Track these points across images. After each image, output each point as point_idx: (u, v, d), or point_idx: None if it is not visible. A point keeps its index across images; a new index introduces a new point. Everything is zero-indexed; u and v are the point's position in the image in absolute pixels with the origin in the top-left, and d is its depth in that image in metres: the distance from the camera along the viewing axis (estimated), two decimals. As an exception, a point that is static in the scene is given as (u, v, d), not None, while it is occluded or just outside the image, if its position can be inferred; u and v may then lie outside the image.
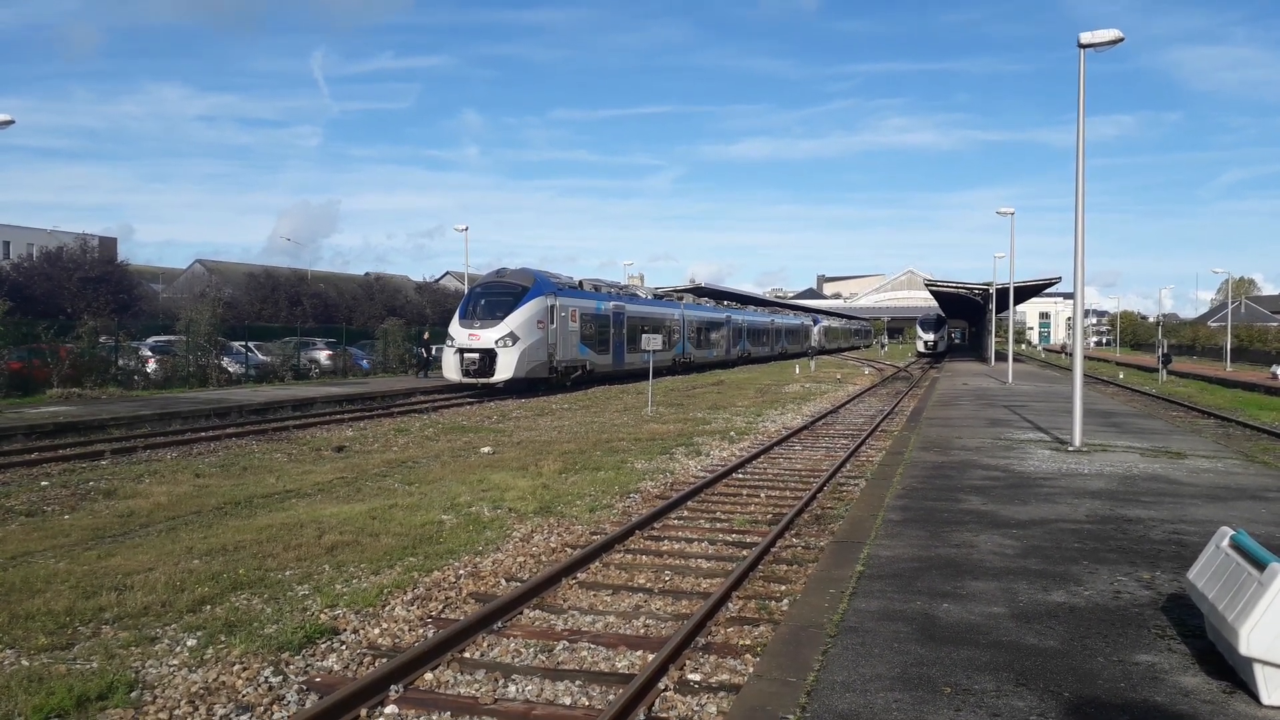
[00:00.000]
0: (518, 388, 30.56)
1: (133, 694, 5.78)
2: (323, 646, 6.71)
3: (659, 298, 48.01)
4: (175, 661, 6.32)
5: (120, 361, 28.43)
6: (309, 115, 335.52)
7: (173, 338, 31.71)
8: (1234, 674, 5.19)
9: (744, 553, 9.49)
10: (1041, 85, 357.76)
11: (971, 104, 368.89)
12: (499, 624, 7.23)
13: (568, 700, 5.96)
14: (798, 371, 47.08)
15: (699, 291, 61.17)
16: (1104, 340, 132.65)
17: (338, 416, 22.91)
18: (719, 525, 11.01)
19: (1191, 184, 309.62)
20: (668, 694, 6.00)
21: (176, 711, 5.58)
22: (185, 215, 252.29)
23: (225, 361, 31.79)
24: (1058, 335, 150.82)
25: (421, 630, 7.15)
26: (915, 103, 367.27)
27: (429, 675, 6.25)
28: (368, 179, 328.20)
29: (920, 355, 77.23)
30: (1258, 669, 4.84)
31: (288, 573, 8.47)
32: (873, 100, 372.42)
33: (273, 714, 5.66)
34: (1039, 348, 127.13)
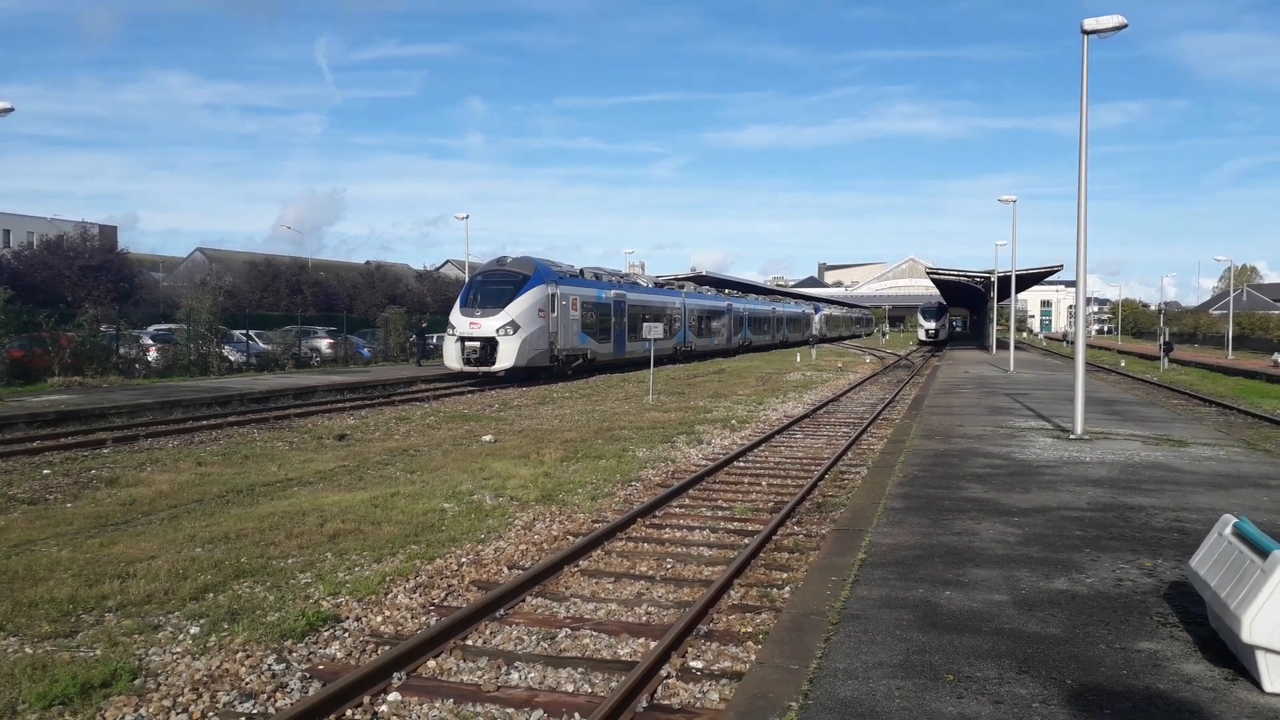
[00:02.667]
0: (519, 376, 30.55)
1: (136, 681, 5.79)
2: (325, 634, 6.72)
3: (660, 286, 47.92)
4: (178, 649, 6.33)
5: (121, 350, 28.43)
6: (313, 103, 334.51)
7: (173, 326, 31.72)
8: (1236, 661, 5.19)
9: (745, 540, 9.50)
10: (1048, 72, 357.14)
11: (978, 91, 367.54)
12: (501, 611, 7.24)
13: (570, 687, 5.97)
14: (799, 360, 47.07)
15: (700, 280, 61.08)
16: (1106, 328, 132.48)
17: (339, 405, 22.92)
18: (720, 513, 11.02)
19: (1197, 172, 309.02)
20: (670, 681, 6.01)
21: (180, 699, 5.59)
22: (190, 203, 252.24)
23: (226, 350, 31.78)
24: (1059, 323, 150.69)
25: (424, 618, 7.17)
26: (921, 90, 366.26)
27: (431, 663, 6.27)
28: (372, 167, 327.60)
29: (921, 343, 77.24)
30: (1260, 656, 4.84)
31: (290, 561, 8.49)
32: (879, 88, 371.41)
33: (276, 701, 5.67)
34: (1040, 336, 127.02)
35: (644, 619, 7.28)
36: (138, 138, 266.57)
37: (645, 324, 27.31)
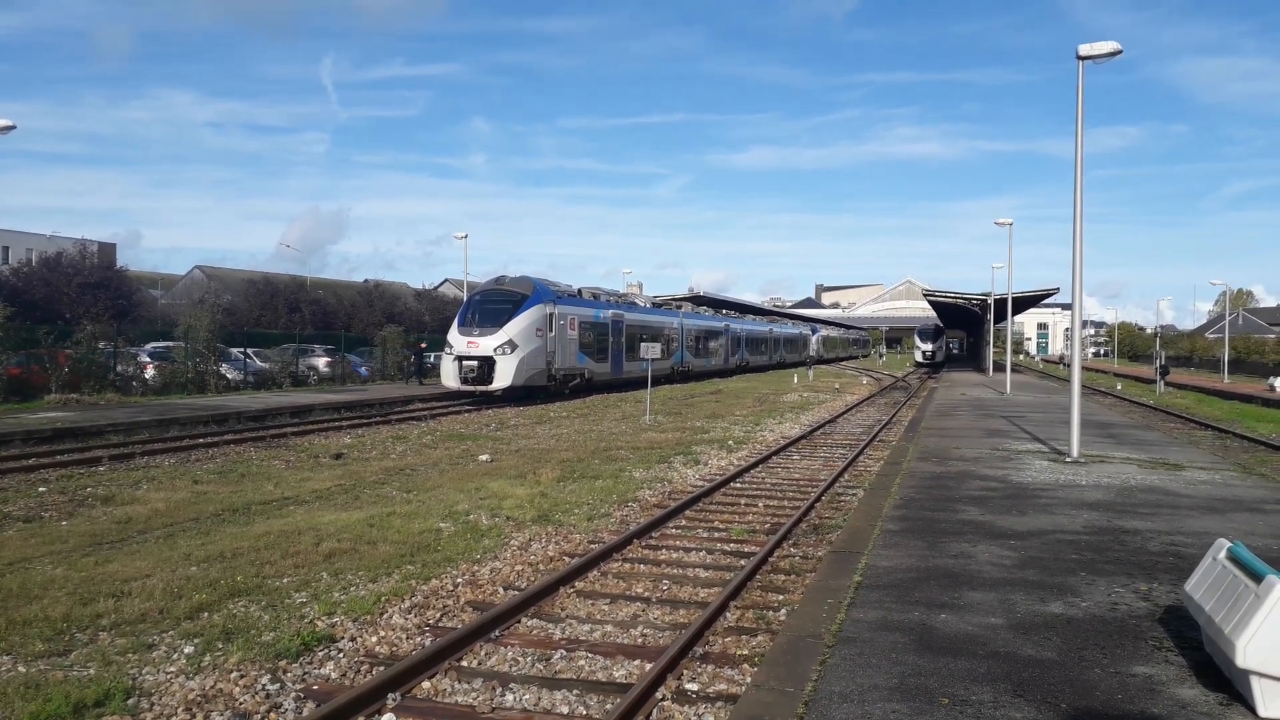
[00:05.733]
0: (516, 395, 30.56)
1: (130, 701, 5.77)
2: (320, 654, 6.70)
3: (658, 306, 48.01)
4: (173, 668, 6.31)
5: (119, 367, 28.41)
6: (317, 122, 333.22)
7: (171, 344, 31.70)
8: (1231, 686, 5.20)
9: (742, 562, 9.49)
10: (1051, 95, 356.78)
11: (979, 114, 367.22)
12: (497, 632, 7.23)
13: (565, 709, 5.96)
14: (796, 381, 47.10)
15: (698, 300, 61.23)
16: (1102, 351, 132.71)
17: (336, 424, 22.89)
18: (717, 535, 11.01)
19: (1195, 195, 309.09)
20: (665, 703, 6.00)
21: (174, 719, 5.58)
22: (192, 221, 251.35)
23: (224, 368, 31.78)
24: (1056, 346, 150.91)
25: (419, 638, 7.15)
26: (923, 112, 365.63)
27: (426, 683, 6.25)
28: (375, 185, 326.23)
29: (918, 365, 77.37)
30: (1254, 681, 4.85)
31: (285, 580, 8.47)
32: (881, 110, 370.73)
33: (270, 722, 5.65)
34: (1037, 358, 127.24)
35: (640, 641, 7.27)
36: (141, 155, 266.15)
37: (643, 344, 27.39)
